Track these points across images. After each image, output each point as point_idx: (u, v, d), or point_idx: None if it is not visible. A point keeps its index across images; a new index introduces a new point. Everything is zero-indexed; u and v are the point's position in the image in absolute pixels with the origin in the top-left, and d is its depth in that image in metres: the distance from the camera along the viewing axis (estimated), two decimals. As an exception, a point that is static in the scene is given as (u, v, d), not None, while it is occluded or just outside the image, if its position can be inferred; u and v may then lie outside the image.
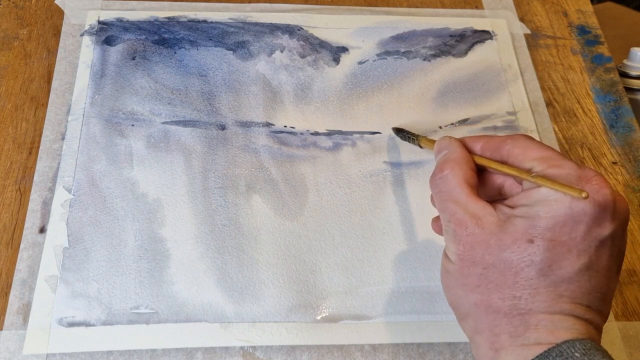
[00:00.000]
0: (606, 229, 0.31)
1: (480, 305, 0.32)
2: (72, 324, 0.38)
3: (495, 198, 0.35)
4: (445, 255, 0.34)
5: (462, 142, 0.36)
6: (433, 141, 0.39)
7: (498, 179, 0.36)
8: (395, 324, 0.40)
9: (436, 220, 0.38)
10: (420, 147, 0.44)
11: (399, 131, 0.47)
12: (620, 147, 0.50)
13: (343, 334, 0.40)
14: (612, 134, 0.51)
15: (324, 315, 0.40)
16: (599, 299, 0.32)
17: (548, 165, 0.32)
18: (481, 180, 0.36)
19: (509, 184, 0.36)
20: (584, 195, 0.30)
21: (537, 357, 0.30)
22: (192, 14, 0.53)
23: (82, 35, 0.51)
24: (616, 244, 0.32)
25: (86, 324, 0.39)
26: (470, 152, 0.36)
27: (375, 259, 0.43)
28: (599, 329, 0.32)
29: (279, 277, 0.41)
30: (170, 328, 0.39)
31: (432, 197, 0.36)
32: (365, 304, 0.41)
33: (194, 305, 0.40)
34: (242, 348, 0.39)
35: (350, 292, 0.41)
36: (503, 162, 0.35)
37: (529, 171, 0.33)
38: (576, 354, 0.29)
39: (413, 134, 0.45)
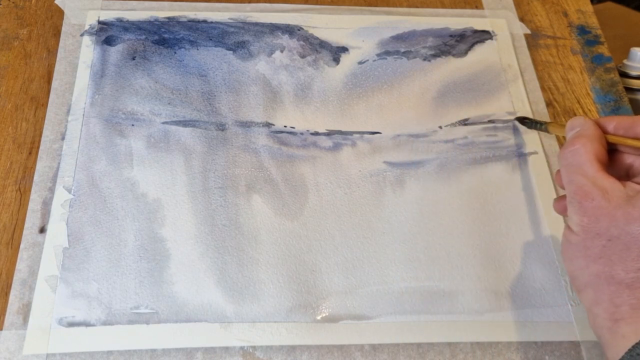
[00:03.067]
0: None
1: (601, 276, 0.33)
2: (72, 324, 0.38)
3: (623, 178, 0.36)
4: (568, 227, 0.35)
5: (596, 121, 0.37)
6: (562, 125, 0.40)
7: (628, 159, 0.37)
8: (395, 324, 0.40)
9: (559, 200, 0.39)
10: (549, 132, 0.45)
11: (524, 119, 0.48)
12: (620, 147, 0.50)
13: (343, 334, 0.40)
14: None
15: (324, 315, 0.40)
16: None
17: None
18: (611, 160, 0.37)
19: (638, 165, 0.37)
20: None
21: None
22: (192, 14, 0.53)
23: (82, 35, 0.51)
24: None
25: (86, 324, 0.39)
26: (603, 130, 0.37)
27: (375, 259, 0.43)
28: None
29: (279, 277, 0.41)
30: (170, 328, 0.39)
31: (557, 173, 0.37)
32: (365, 304, 0.41)
33: (194, 305, 0.40)
34: (242, 348, 0.39)
35: (350, 292, 0.41)
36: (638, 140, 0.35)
37: None
38: None
39: (540, 121, 0.46)
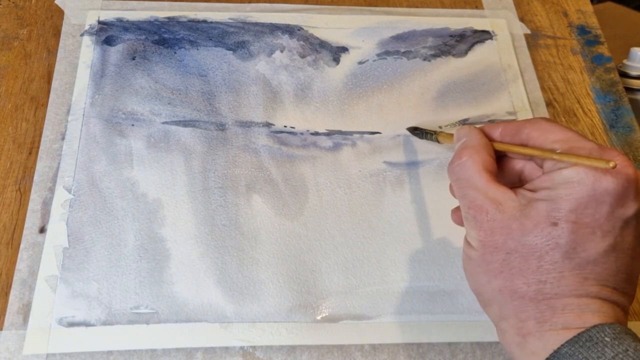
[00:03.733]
0: (630, 209, 0.31)
1: (504, 291, 0.32)
2: (72, 324, 0.38)
3: (516, 184, 0.35)
4: (467, 242, 0.34)
5: (481, 130, 0.36)
6: (451, 135, 0.39)
7: (518, 164, 0.36)
8: (395, 324, 0.40)
9: (455, 210, 0.38)
10: (439, 142, 0.44)
11: (415, 129, 0.47)
12: (620, 147, 0.50)
13: (343, 334, 0.40)
14: (612, 134, 0.51)
15: (324, 315, 0.40)
16: (625, 280, 0.32)
17: (569, 146, 0.32)
18: (500, 167, 0.36)
19: (528, 169, 0.35)
20: (611, 164, 0.29)
21: (566, 342, 0.30)
22: (192, 14, 0.53)
23: (82, 35, 0.51)
24: None
25: (86, 324, 0.39)
26: (489, 138, 0.36)
27: (375, 259, 0.43)
28: (625, 311, 0.32)
29: (279, 277, 0.41)
30: (170, 328, 0.39)
31: (450, 186, 0.36)
32: (365, 304, 0.41)
33: (194, 305, 0.40)
34: (242, 348, 0.39)
35: (350, 292, 0.41)
36: (523, 146, 0.34)
37: (552, 151, 0.32)
38: (606, 338, 0.29)
39: (430, 131, 0.45)
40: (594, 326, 0.30)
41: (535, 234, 0.31)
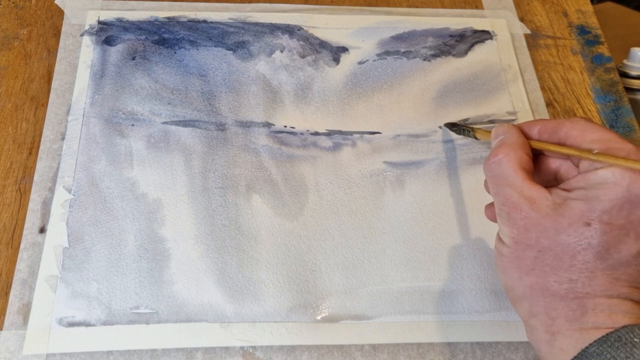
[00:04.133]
0: None
1: (535, 288, 0.32)
2: (72, 324, 0.38)
3: (551, 183, 0.35)
4: (499, 238, 0.34)
5: (519, 127, 0.36)
6: (489, 132, 0.39)
7: (554, 164, 0.36)
8: (395, 324, 0.40)
9: (489, 207, 0.38)
10: (477, 139, 0.44)
11: (453, 125, 0.47)
12: (620, 147, 0.50)
13: (343, 334, 0.40)
14: (612, 134, 0.51)
15: (324, 315, 0.40)
16: None
17: (607, 146, 0.32)
18: (537, 165, 0.36)
19: (565, 168, 0.36)
20: None
21: (595, 341, 0.30)
22: (192, 14, 0.53)
23: (82, 35, 0.51)
24: None
25: (86, 324, 0.39)
26: (526, 136, 0.36)
27: (375, 259, 0.43)
28: None
29: (279, 277, 0.41)
30: (170, 328, 0.39)
31: (485, 182, 0.36)
32: (365, 304, 0.41)
33: (194, 305, 0.40)
34: (242, 348, 0.39)
35: (350, 292, 0.41)
36: (561, 144, 0.35)
37: (589, 151, 0.32)
38: (635, 339, 0.29)
39: (468, 127, 0.45)
40: (624, 327, 0.30)
41: (569, 233, 0.31)
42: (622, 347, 0.29)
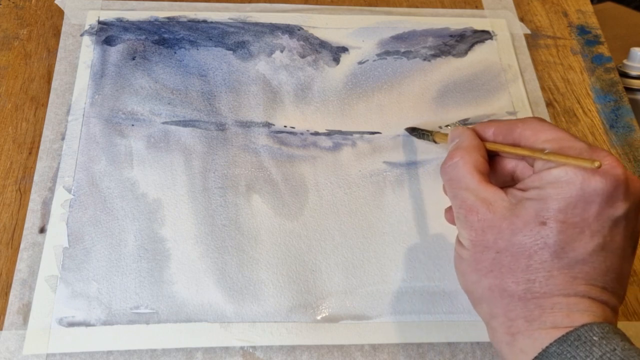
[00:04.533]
0: (619, 209, 0.31)
1: (494, 290, 0.32)
2: (72, 324, 0.38)
3: (508, 184, 0.35)
4: (459, 241, 0.34)
5: (474, 130, 0.37)
6: (447, 135, 0.39)
7: (510, 164, 0.36)
8: (395, 324, 0.40)
9: (449, 210, 0.38)
10: (435, 142, 0.44)
11: (413, 130, 0.47)
12: (620, 147, 0.50)
13: (343, 334, 0.40)
14: (612, 134, 0.51)
15: (324, 315, 0.40)
16: (615, 280, 0.32)
17: (560, 145, 0.32)
18: (493, 167, 0.36)
19: (520, 169, 0.36)
20: (596, 164, 0.29)
21: (555, 341, 0.30)
22: (192, 14, 0.53)
23: (82, 35, 0.51)
24: (630, 224, 0.32)
25: (86, 324, 0.39)
26: (482, 138, 0.36)
27: (375, 259, 0.43)
28: (615, 311, 0.32)
29: (279, 277, 0.41)
30: (170, 328, 0.39)
31: (443, 186, 0.36)
32: (365, 304, 0.41)
33: (194, 305, 0.40)
34: (242, 348, 0.39)
35: (350, 292, 0.41)
36: (515, 145, 0.35)
37: (541, 150, 0.33)
38: (594, 338, 0.29)
39: (427, 131, 0.45)
40: (583, 325, 0.30)
41: (525, 233, 0.31)
42: (581, 346, 0.29)
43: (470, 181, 0.33)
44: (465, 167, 0.34)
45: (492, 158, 0.36)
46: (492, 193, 0.33)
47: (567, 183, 0.31)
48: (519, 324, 0.31)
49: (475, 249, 0.33)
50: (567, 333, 0.30)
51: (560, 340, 0.30)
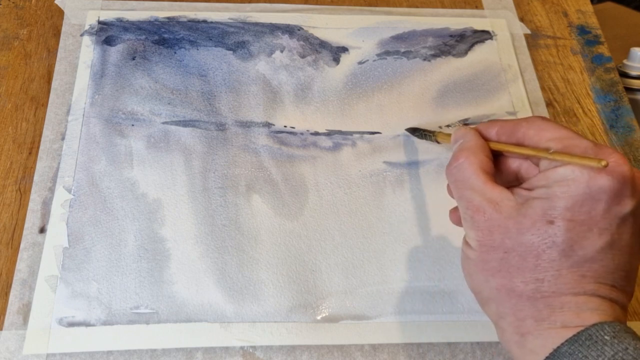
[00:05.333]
0: (626, 206, 0.31)
1: (502, 290, 0.32)
2: (72, 324, 0.38)
3: (513, 183, 0.35)
4: (465, 242, 0.34)
5: (478, 130, 0.36)
6: (449, 135, 0.39)
7: (514, 164, 0.36)
8: (395, 324, 0.40)
9: (454, 211, 0.38)
10: (438, 142, 0.44)
11: (415, 130, 0.47)
12: (620, 147, 0.50)
13: (343, 334, 0.40)
14: (612, 134, 0.51)
15: (324, 315, 0.40)
16: (623, 278, 0.32)
17: (564, 144, 0.32)
18: (498, 167, 0.36)
19: (525, 168, 0.36)
20: (603, 164, 0.29)
21: (566, 341, 0.30)
22: (192, 14, 0.53)
23: (82, 35, 0.51)
24: (638, 221, 0.32)
25: (86, 324, 0.39)
26: (485, 138, 0.36)
27: (375, 259, 0.43)
28: (624, 308, 0.32)
29: (279, 277, 0.41)
30: (170, 328, 0.39)
31: (448, 187, 0.36)
32: (365, 304, 0.41)
33: (194, 305, 0.40)
34: (242, 348, 0.39)
35: (350, 292, 0.41)
36: (519, 145, 0.35)
37: (546, 150, 0.32)
38: (606, 337, 0.29)
39: (429, 131, 0.45)
40: (594, 325, 0.30)
41: (532, 232, 0.31)
42: (593, 346, 0.29)
43: (476, 182, 0.33)
44: (471, 167, 0.34)
45: (496, 158, 0.36)
46: (499, 193, 0.33)
47: (573, 181, 0.30)
48: (528, 324, 0.31)
49: (482, 249, 0.33)
50: (578, 333, 0.30)
51: (571, 340, 0.30)
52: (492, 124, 0.36)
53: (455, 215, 0.38)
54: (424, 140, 0.46)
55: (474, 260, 0.33)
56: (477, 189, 0.33)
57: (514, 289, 0.32)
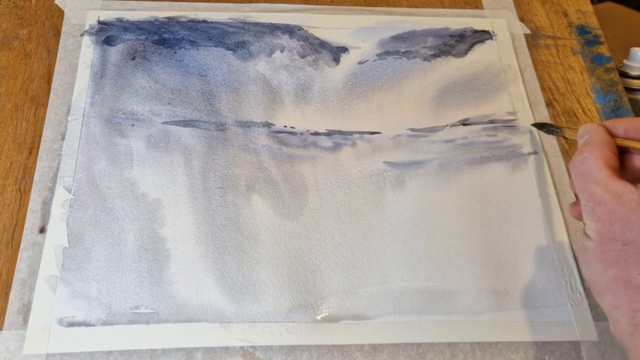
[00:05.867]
0: None
1: (618, 281, 0.33)
2: (72, 324, 0.38)
3: (638, 181, 0.36)
4: (585, 233, 0.35)
5: (605, 126, 0.37)
6: (576, 130, 0.40)
7: None
8: (395, 324, 0.40)
9: (574, 205, 0.39)
10: (565, 138, 0.46)
11: (542, 126, 0.48)
12: (620, 147, 0.50)
13: (343, 334, 0.40)
14: (612, 134, 0.51)
15: (324, 315, 0.40)
16: None
17: None
18: (624, 163, 0.37)
19: None
20: None
21: None
22: (192, 14, 0.53)
23: (82, 35, 0.51)
24: None
25: (86, 324, 0.39)
26: (612, 135, 0.37)
27: (375, 259, 0.43)
28: None
29: (279, 277, 0.41)
30: (170, 328, 0.39)
31: (570, 180, 0.37)
32: (365, 304, 0.41)
33: (194, 305, 0.40)
34: (242, 348, 0.39)
35: (350, 292, 0.41)
36: None
37: None
38: None
39: (557, 127, 0.46)
40: None
41: None
42: None
43: (599, 175, 0.34)
44: (595, 162, 0.35)
45: (622, 155, 0.37)
46: (622, 187, 0.33)
47: None
48: None
49: (601, 239, 0.33)
50: None
51: None
52: (620, 121, 0.37)
53: (576, 209, 0.39)
54: (551, 135, 0.48)
55: (592, 251, 0.34)
56: (599, 182, 0.34)
57: (631, 280, 0.32)
